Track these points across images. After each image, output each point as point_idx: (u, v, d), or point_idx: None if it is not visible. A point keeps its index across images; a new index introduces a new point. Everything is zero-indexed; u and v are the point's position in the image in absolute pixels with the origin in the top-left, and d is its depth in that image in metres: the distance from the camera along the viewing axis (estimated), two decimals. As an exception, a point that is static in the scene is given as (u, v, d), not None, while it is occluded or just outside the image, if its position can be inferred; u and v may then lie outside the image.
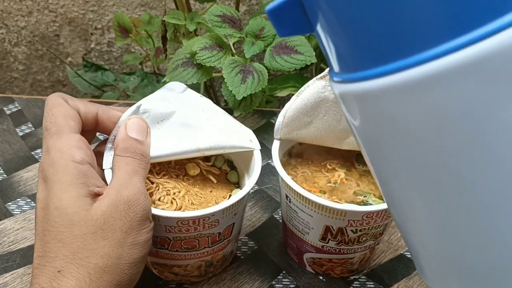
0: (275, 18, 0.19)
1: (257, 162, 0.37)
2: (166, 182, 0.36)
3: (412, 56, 0.15)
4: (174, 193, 0.36)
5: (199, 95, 0.39)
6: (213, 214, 0.33)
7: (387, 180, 0.19)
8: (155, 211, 0.32)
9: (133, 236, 0.30)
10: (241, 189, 0.39)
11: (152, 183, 0.36)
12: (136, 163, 0.32)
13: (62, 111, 0.33)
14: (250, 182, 0.35)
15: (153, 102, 0.36)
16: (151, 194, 0.35)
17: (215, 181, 0.38)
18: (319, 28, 0.18)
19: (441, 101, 0.15)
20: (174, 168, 0.38)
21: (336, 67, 0.18)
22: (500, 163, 0.15)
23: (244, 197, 0.35)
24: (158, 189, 0.36)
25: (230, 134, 0.37)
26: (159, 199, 0.35)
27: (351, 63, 0.17)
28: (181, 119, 0.36)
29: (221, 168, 0.40)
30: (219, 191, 0.38)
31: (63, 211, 0.29)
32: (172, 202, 0.35)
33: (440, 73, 0.14)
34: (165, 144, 0.35)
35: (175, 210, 0.34)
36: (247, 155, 0.38)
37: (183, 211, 0.34)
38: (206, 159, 0.40)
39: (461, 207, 0.16)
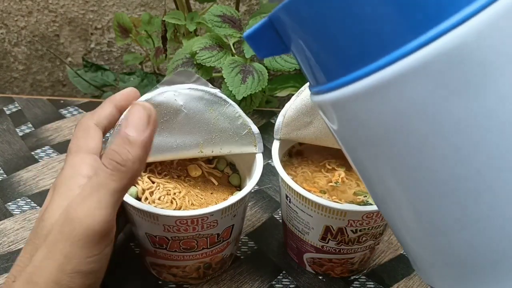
0: (253, 42, 0.21)
1: (258, 165, 0.37)
2: (167, 182, 0.36)
3: (368, 65, 0.17)
4: (175, 193, 0.36)
5: (209, 86, 0.36)
6: (211, 214, 0.33)
7: (369, 178, 0.21)
8: (153, 209, 0.32)
9: (74, 263, 0.26)
10: (240, 190, 0.39)
11: (153, 182, 0.36)
12: (106, 174, 0.27)
13: (85, 134, 0.33)
14: (250, 183, 0.35)
15: (160, 98, 0.34)
16: (151, 193, 0.35)
17: (216, 183, 0.38)
18: (293, 48, 0.20)
19: (398, 102, 0.17)
20: (176, 168, 0.38)
21: (312, 81, 0.20)
22: (457, 153, 0.17)
23: (243, 198, 0.35)
24: (159, 188, 0.36)
25: (235, 140, 0.36)
26: (159, 198, 0.35)
27: (322, 75, 0.19)
28: (187, 119, 0.35)
29: (223, 171, 0.40)
30: (220, 194, 0.38)
31: (46, 221, 0.28)
32: (172, 202, 0.35)
33: (393, 77, 0.17)
34: (168, 143, 0.35)
35: (174, 209, 0.34)
36: (250, 158, 0.38)
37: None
38: (209, 161, 0.40)
39: (432, 196, 0.18)
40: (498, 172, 0.17)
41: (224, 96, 0.35)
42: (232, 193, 0.38)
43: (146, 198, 0.35)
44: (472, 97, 0.16)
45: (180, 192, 0.36)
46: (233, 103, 0.36)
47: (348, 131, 0.19)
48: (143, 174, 0.36)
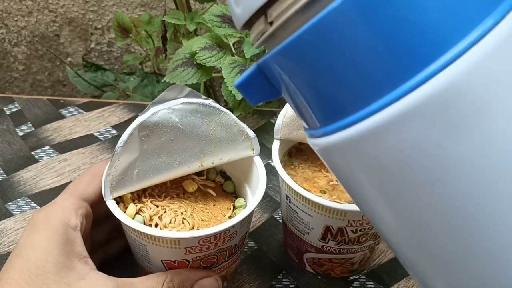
0: (244, 90, 0.21)
1: (259, 166, 0.36)
2: (170, 203, 0.35)
3: (360, 110, 0.17)
4: (182, 213, 0.35)
5: (201, 98, 0.36)
6: (232, 226, 0.32)
7: (366, 211, 0.21)
8: (175, 234, 0.31)
9: None
10: (236, 197, 0.39)
11: (157, 206, 0.35)
12: None
13: (90, 180, 0.35)
14: (260, 185, 0.35)
15: (155, 119, 0.33)
16: (160, 218, 0.34)
17: (214, 194, 0.38)
18: (284, 94, 0.21)
19: (393, 145, 0.17)
20: (171, 187, 0.37)
21: (305, 124, 0.21)
22: (458, 190, 0.17)
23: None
24: (165, 212, 0.34)
25: (234, 147, 0.36)
26: (170, 222, 0.34)
27: (315, 121, 0.19)
28: (185, 135, 0.34)
29: (214, 180, 0.39)
30: (222, 203, 0.37)
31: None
32: (183, 222, 0.34)
33: (386, 121, 0.17)
34: (168, 163, 0.34)
35: (190, 230, 0.33)
36: (243, 162, 0.38)
37: (197, 229, 0.34)
38: (199, 173, 0.39)
39: (435, 232, 0.18)
40: (501, 207, 0.17)
41: (218, 105, 0.35)
42: (232, 201, 0.38)
43: (157, 224, 0.34)
44: (467, 135, 0.16)
45: (186, 211, 0.35)
46: (227, 111, 0.35)
47: (344, 173, 0.20)
48: (144, 200, 0.35)
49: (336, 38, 0.17)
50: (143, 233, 0.31)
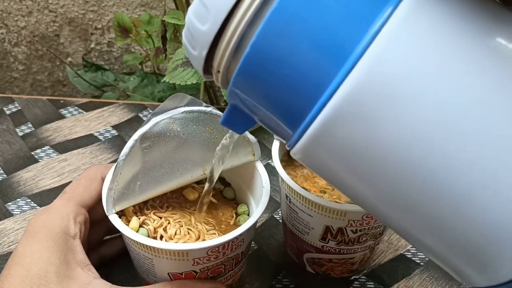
0: (229, 125, 0.25)
1: (262, 171, 0.36)
2: (174, 213, 0.35)
3: (305, 118, 0.20)
4: (186, 223, 0.34)
5: (203, 106, 0.36)
6: (240, 234, 0.32)
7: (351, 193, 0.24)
8: (183, 246, 0.30)
9: None
10: (237, 203, 0.39)
11: (160, 218, 0.34)
12: None
13: (87, 184, 0.35)
14: (265, 191, 0.35)
15: (157, 129, 0.33)
16: (164, 230, 0.34)
17: (216, 201, 0.37)
18: (257, 120, 0.24)
19: (337, 140, 0.20)
20: (172, 197, 0.37)
21: (282, 140, 0.24)
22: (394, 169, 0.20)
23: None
24: (169, 223, 0.34)
25: (235, 153, 0.36)
26: (175, 233, 0.33)
27: (285, 134, 0.23)
28: (187, 145, 0.34)
29: (214, 187, 0.39)
30: (224, 210, 0.37)
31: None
32: (188, 233, 0.34)
33: (324, 123, 0.20)
34: (171, 173, 0.34)
35: (196, 240, 0.33)
36: (242, 168, 0.37)
37: (203, 239, 0.33)
38: (199, 181, 0.38)
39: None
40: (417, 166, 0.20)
41: (219, 113, 0.35)
42: (234, 207, 0.38)
43: (162, 236, 0.33)
44: (383, 123, 0.19)
45: (190, 221, 0.35)
46: None
47: (322, 171, 0.23)
48: (146, 212, 0.35)
49: (261, 75, 0.21)
50: (150, 246, 0.31)
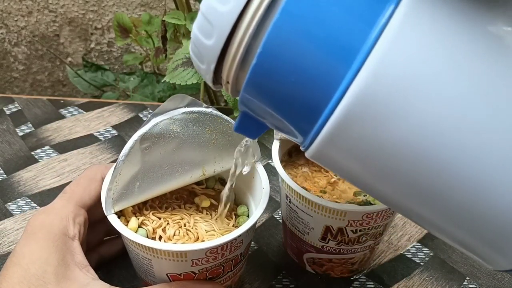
0: (242, 131, 0.26)
1: (262, 172, 0.36)
2: (173, 214, 0.35)
3: (319, 118, 0.20)
4: (185, 224, 0.34)
5: (203, 107, 0.35)
6: (239, 235, 0.32)
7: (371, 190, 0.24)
8: (182, 247, 0.30)
9: None
10: (237, 204, 0.39)
11: (159, 218, 0.34)
12: None
13: (87, 184, 0.35)
14: (264, 192, 0.35)
15: (156, 130, 0.33)
16: (163, 230, 0.34)
17: (216, 202, 0.37)
18: (269, 125, 0.24)
19: (351, 140, 0.20)
20: (171, 198, 0.37)
21: (297, 142, 0.24)
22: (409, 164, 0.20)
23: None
24: (168, 223, 0.34)
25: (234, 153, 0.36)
26: (174, 234, 0.33)
27: (299, 136, 0.23)
28: (187, 145, 0.34)
29: (214, 188, 0.39)
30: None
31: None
32: (187, 234, 0.34)
33: (337, 123, 0.20)
34: (171, 174, 0.34)
35: (195, 241, 0.33)
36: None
37: (202, 240, 0.33)
38: (198, 182, 0.38)
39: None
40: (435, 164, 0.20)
41: (219, 113, 0.35)
42: (233, 208, 0.38)
43: (160, 237, 0.33)
44: (397, 121, 0.19)
45: (189, 222, 0.35)
46: (228, 118, 0.35)
47: (339, 169, 0.23)
48: (145, 212, 0.35)
49: (269, 85, 0.21)
50: (148, 247, 0.31)
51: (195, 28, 0.22)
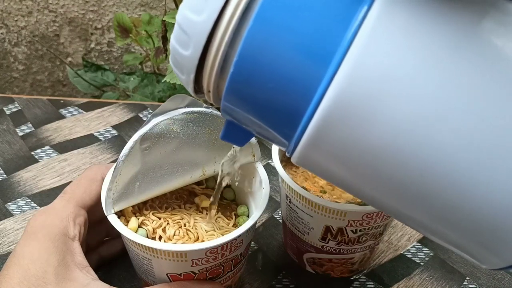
0: (229, 139, 0.26)
1: (262, 173, 0.36)
2: (173, 214, 0.35)
3: (300, 123, 0.21)
4: (185, 224, 0.34)
5: (203, 107, 0.35)
6: (239, 235, 0.31)
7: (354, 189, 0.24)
8: (182, 247, 0.30)
9: None
10: (237, 204, 0.39)
11: (159, 218, 0.34)
12: None
13: (87, 185, 0.35)
14: (264, 192, 0.35)
15: (156, 130, 0.33)
16: (163, 230, 0.34)
17: (216, 202, 0.38)
18: (254, 133, 0.24)
19: (332, 142, 0.20)
20: (171, 198, 0.37)
21: (283, 148, 0.24)
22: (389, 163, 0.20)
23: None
24: (168, 223, 0.34)
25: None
26: (174, 234, 0.33)
27: (283, 142, 0.23)
28: (187, 145, 0.34)
29: (214, 188, 0.39)
30: (223, 212, 0.37)
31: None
32: (187, 234, 0.34)
33: (318, 127, 0.20)
34: (171, 174, 0.34)
35: (195, 241, 0.33)
36: (242, 169, 0.37)
37: (202, 240, 0.33)
38: (199, 182, 0.38)
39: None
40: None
41: (219, 114, 0.34)
42: (233, 208, 0.38)
43: (160, 237, 0.33)
44: (372, 122, 0.19)
45: (189, 222, 0.35)
46: None
47: (324, 173, 0.23)
48: (145, 212, 0.35)
49: (248, 92, 0.21)
50: (148, 247, 0.31)
51: (173, 39, 0.22)
